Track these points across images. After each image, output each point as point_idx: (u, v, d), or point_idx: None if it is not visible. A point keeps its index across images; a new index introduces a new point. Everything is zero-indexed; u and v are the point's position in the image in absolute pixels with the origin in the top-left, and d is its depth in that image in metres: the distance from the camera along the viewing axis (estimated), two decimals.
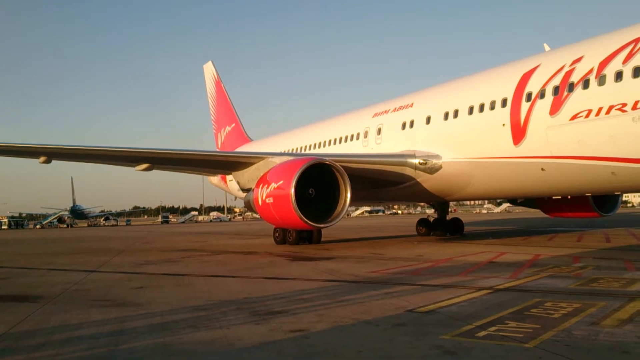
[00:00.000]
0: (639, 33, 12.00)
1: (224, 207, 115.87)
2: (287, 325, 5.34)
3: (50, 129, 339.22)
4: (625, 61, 11.85)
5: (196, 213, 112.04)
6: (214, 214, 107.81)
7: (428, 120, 16.94)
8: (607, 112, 11.91)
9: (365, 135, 19.57)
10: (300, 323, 5.42)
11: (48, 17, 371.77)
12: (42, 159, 18.25)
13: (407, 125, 17.73)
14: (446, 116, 16.25)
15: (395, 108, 18.85)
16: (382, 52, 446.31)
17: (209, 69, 36.59)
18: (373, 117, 19.74)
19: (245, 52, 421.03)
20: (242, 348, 4.54)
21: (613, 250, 13.04)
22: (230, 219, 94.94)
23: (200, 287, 8.58)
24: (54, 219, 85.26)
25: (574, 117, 12.58)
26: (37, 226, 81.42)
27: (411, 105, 18.14)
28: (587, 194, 16.67)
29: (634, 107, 11.41)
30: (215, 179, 30.07)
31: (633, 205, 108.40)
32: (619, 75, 11.89)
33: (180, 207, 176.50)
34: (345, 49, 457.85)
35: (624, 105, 11.60)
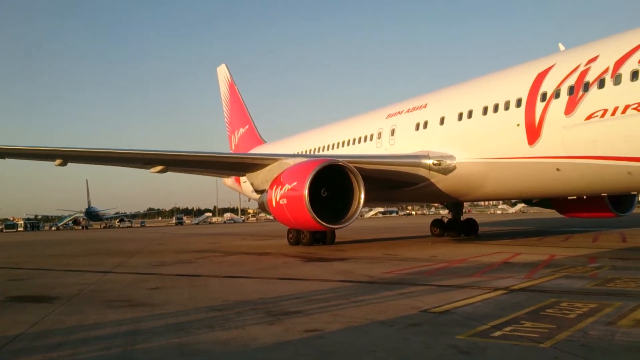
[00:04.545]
0: None
1: (237, 208, 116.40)
2: (302, 325, 5.36)
3: (59, 131, 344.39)
4: None
5: (210, 214, 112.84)
6: (227, 215, 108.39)
7: (442, 120, 16.88)
8: (623, 112, 11.78)
9: (379, 136, 19.56)
10: (315, 323, 5.44)
11: (60, 17, 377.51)
12: (58, 161, 18.52)
13: (421, 126, 17.68)
14: (460, 117, 16.18)
15: (409, 109, 18.81)
16: (395, 54, 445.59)
17: (222, 72, 36.86)
18: (386, 118, 19.72)
19: (259, 54, 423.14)
20: (257, 348, 4.56)
21: (629, 251, 12.87)
22: (244, 220, 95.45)
23: (215, 287, 8.64)
24: (69, 220, 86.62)
25: (589, 117, 12.46)
26: (53, 228, 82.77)
27: (425, 106, 18.09)
28: (602, 194, 16.48)
29: None
30: (229, 181, 30.26)
31: None
32: (635, 75, 11.75)
33: (194, 209, 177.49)
34: (359, 50, 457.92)
35: None
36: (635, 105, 11.55)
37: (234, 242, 22.80)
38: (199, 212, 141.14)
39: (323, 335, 4.94)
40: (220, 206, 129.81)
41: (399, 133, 18.67)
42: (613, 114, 11.98)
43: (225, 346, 4.67)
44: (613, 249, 13.30)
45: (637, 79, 11.70)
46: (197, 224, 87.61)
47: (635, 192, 17.63)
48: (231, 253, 16.35)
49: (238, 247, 19.45)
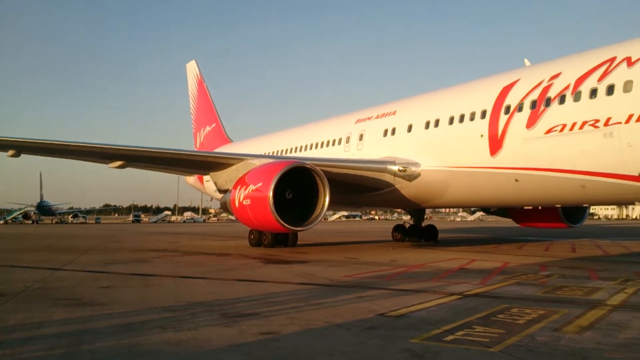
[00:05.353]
0: (614, 53, 12.33)
1: (198, 207, 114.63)
2: (257, 327, 5.31)
3: (16, 121, 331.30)
4: (600, 79, 12.17)
5: (169, 213, 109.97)
6: (188, 214, 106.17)
7: (409, 128, 17.10)
8: (581, 127, 12.20)
9: (347, 141, 19.65)
10: (271, 325, 5.40)
11: (20, 6, 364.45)
12: (11, 152, 17.80)
13: (389, 132, 17.87)
14: (427, 125, 16.43)
15: (378, 115, 18.98)
16: (366, 58, 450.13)
17: (192, 68, 36.32)
18: (355, 123, 19.85)
19: (230, 53, 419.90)
20: (210, 350, 4.49)
21: (578, 260, 13.32)
22: (204, 220, 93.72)
23: (169, 288, 8.48)
24: (19, 214, 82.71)
25: (549, 131, 12.85)
26: (1, 221, 79.02)
27: (394, 113, 18.30)
28: (557, 205, 17.05)
29: (606, 124, 11.72)
30: (192, 179, 29.76)
31: (599, 218, 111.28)
32: (593, 93, 12.19)
33: (153, 207, 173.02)
34: (329, 55, 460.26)
35: (597, 121, 11.90)
36: (592, 122, 11.99)
37: (193, 242, 22.39)
38: (158, 210, 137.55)
39: (279, 337, 4.91)
40: (180, 205, 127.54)
41: (367, 138, 18.81)
42: (571, 129, 12.40)
43: (177, 348, 4.57)
44: (563, 259, 13.74)
45: (595, 96, 12.14)
46: (156, 222, 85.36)
47: (587, 205, 18.35)
48: (189, 253, 16.04)
49: (197, 247, 19.12)
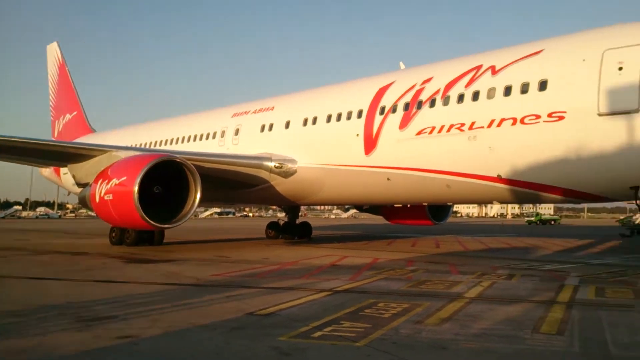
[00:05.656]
0: (481, 61, 13.41)
1: (54, 202, 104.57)
2: (115, 331, 4.90)
3: None
4: (467, 85, 13.18)
5: (20, 207, 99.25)
6: (41, 209, 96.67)
7: (287, 124, 17.14)
8: (448, 130, 13.12)
9: (222, 135, 19.16)
10: (130, 329, 5.01)
11: None
12: None
13: (267, 128, 17.75)
14: (305, 122, 16.59)
15: (256, 110, 18.77)
16: (246, 53, 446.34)
17: (52, 50, 32.93)
18: (232, 117, 19.43)
19: (98, 37, 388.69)
20: (59, 357, 4.10)
21: (441, 255, 14.31)
22: (60, 216, 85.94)
23: (16, 290, 7.63)
24: None
25: (419, 133, 13.64)
26: None
27: (272, 109, 18.22)
28: (424, 204, 18.27)
29: (470, 127, 12.73)
30: (47, 171, 26.99)
31: (461, 215, 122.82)
32: (460, 98, 13.18)
33: (1, 200, 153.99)
34: (204, 46, 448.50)
35: (462, 125, 12.87)
36: (459, 125, 12.96)
37: (46, 240, 20.34)
38: (7, 205, 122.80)
39: (138, 341, 4.59)
40: (33, 199, 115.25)
41: (243, 133, 18.50)
42: (439, 131, 13.29)
43: (20, 356, 4.12)
44: (428, 254, 14.73)
45: (462, 101, 13.13)
46: (4, 217, 76.26)
47: (451, 203, 19.94)
48: (41, 252, 14.52)
49: (50, 245, 17.39)
